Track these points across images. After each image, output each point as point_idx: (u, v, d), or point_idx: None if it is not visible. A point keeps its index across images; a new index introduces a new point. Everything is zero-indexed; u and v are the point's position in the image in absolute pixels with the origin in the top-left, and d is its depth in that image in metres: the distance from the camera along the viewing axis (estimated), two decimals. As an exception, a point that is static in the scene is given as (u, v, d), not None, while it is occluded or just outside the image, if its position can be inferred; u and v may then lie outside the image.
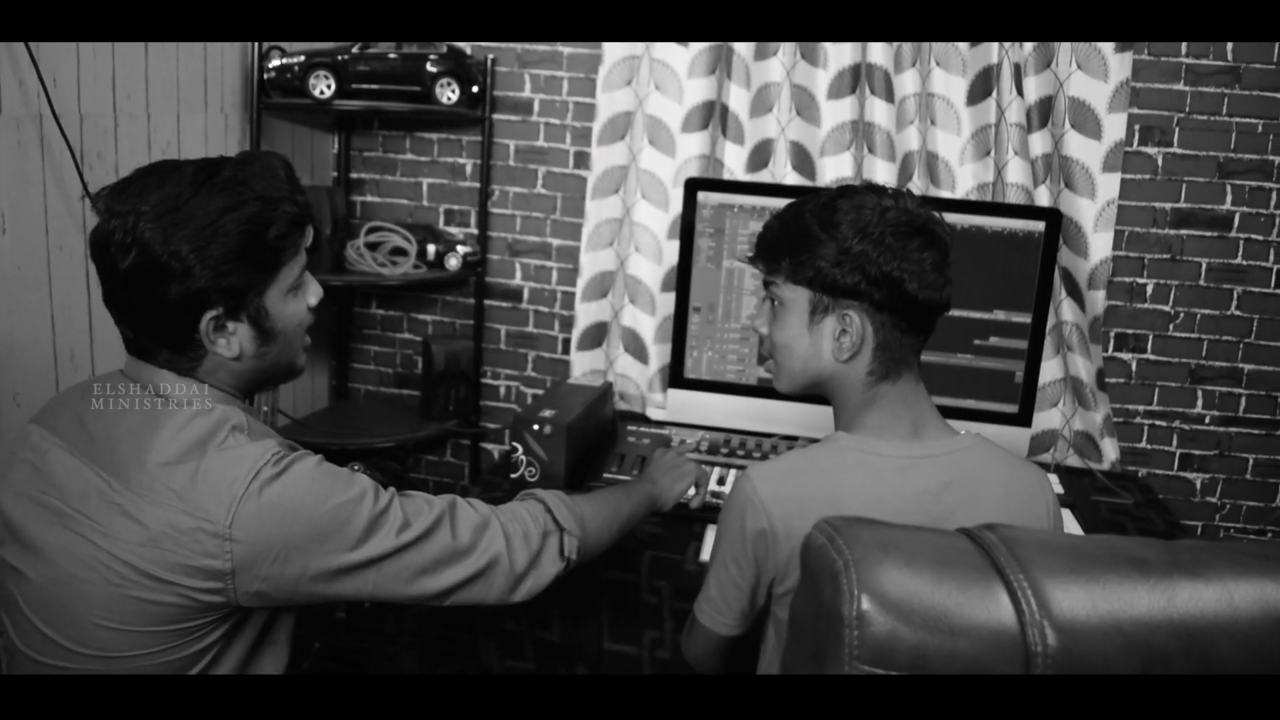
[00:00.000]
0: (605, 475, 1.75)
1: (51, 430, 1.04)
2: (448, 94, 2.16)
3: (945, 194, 2.08)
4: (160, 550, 0.94)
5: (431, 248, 2.25)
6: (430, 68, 2.14)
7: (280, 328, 1.08)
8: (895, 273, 1.06)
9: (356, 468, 1.12)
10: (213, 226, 0.98)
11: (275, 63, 2.07)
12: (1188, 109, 2.04)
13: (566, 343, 2.40)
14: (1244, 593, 0.59)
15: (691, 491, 1.53)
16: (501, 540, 1.11)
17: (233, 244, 0.99)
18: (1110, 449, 2.10)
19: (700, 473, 1.52)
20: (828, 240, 1.08)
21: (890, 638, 0.55)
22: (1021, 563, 0.58)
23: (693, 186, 1.85)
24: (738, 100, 2.13)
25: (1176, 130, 2.05)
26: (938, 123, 2.08)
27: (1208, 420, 2.16)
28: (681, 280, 1.87)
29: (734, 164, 2.15)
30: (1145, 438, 2.18)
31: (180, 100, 1.90)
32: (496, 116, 2.31)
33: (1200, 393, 2.15)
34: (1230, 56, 2.01)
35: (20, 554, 1.00)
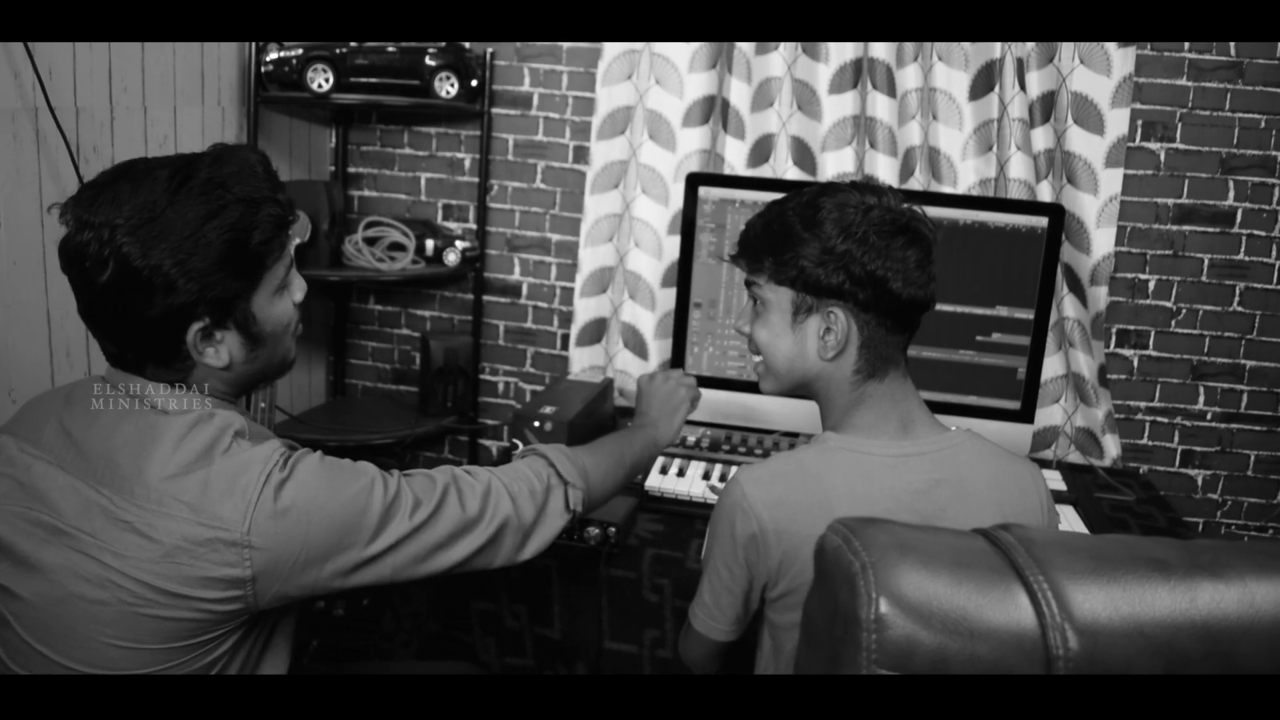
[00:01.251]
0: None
1: (32, 443, 0.99)
2: (446, 88, 2.15)
3: (947, 189, 2.07)
4: (176, 565, 0.92)
5: (430, 243, 2.24)
6: (429, 61, 2.12)
7: (269, 331, 1.05)
8: (880, 272, 1.05)
9: None
10: (194, 237, 0.94)
11: (273, 56, 2.05)
12: (1190, 104, 2.03)
13: (565, 338, 2.38)
14: (1265, 593, 0.58)
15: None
16: (508, 501, 1.11)
17: (216, 254, 0.95)
18: (1112, 445, 2.09)
19: (695, 392, 1.48)
20: (811, 239, 1.07)
21: (909, 641, 0.54)
22: (1040, 564, 0.57)
23: (694, 181, 1.84)
24: (739, 95, 2.11)
25: (1179, 126, 2.05)
26: (940, 118, 2.07)
27: (1209, 417, 2.15)
28: (682, 276, 1.86)
29: (735, 159, 2.13)
30: (1147, 434, 2.18)
31: (177, 94, 1.89)
32: (495, 111, 2.30)
33: (1202, 389, 2.14)
34: (1233, 52, 2.00)
35: (10, 572, 0.96)
